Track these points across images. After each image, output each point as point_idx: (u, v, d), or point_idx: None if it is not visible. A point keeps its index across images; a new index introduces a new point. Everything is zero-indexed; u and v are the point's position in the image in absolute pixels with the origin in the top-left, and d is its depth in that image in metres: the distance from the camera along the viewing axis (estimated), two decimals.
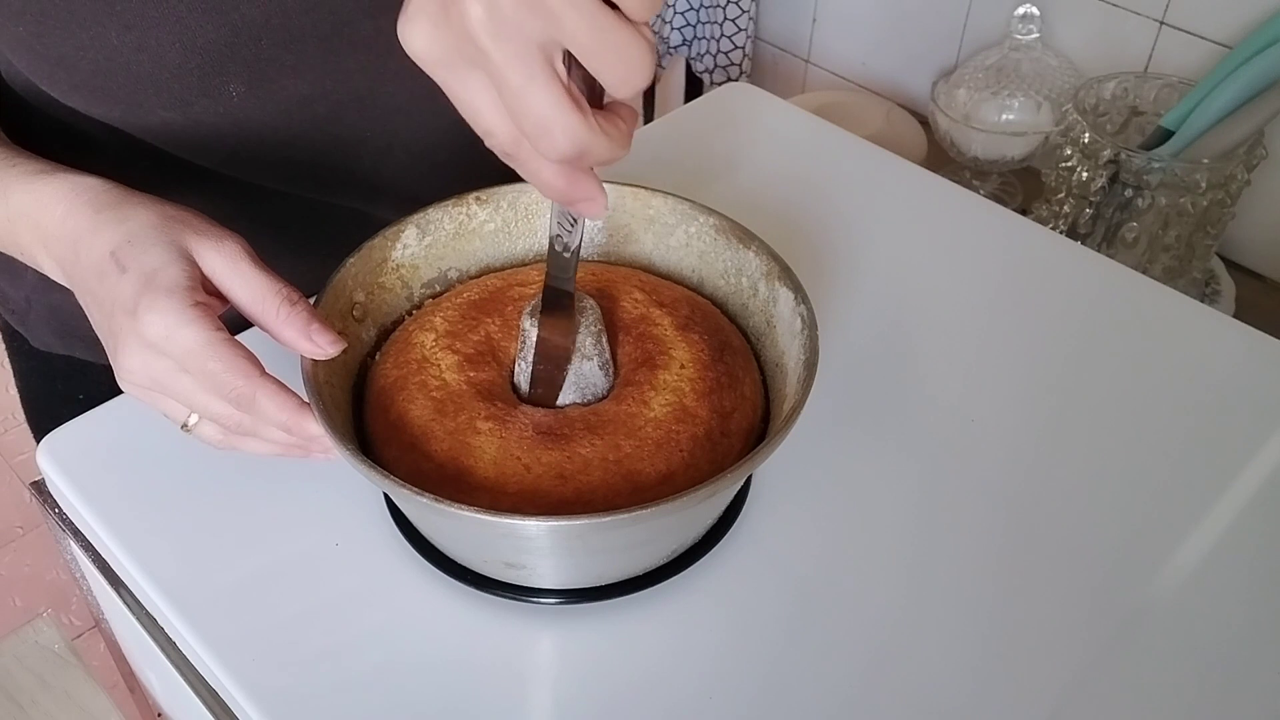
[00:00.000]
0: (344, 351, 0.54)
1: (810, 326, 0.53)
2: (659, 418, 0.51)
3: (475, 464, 0.49)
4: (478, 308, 0.57)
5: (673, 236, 0.61)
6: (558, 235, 0.47)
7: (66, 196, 0.51)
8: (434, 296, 0.60)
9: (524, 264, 0.62)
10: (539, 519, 0.44)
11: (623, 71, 0.35)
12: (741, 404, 0.54)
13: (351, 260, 0.56)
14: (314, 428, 0.48)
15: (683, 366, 0.53)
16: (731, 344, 0.57)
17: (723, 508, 0.55)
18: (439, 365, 0.54)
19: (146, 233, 0.48)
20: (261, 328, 0.50)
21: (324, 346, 0.49)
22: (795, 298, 0.55)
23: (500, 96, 0.36)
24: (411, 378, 0.53)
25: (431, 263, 0.60)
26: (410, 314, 0.59)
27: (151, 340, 0.46)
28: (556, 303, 0.50)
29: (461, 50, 0.36)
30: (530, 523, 0.44)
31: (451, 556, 0.53)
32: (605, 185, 0.60)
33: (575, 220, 0.46)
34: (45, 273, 0.53)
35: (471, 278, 0.61)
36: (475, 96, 0.37)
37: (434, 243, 0.60)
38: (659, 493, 0.48)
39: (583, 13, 0.33)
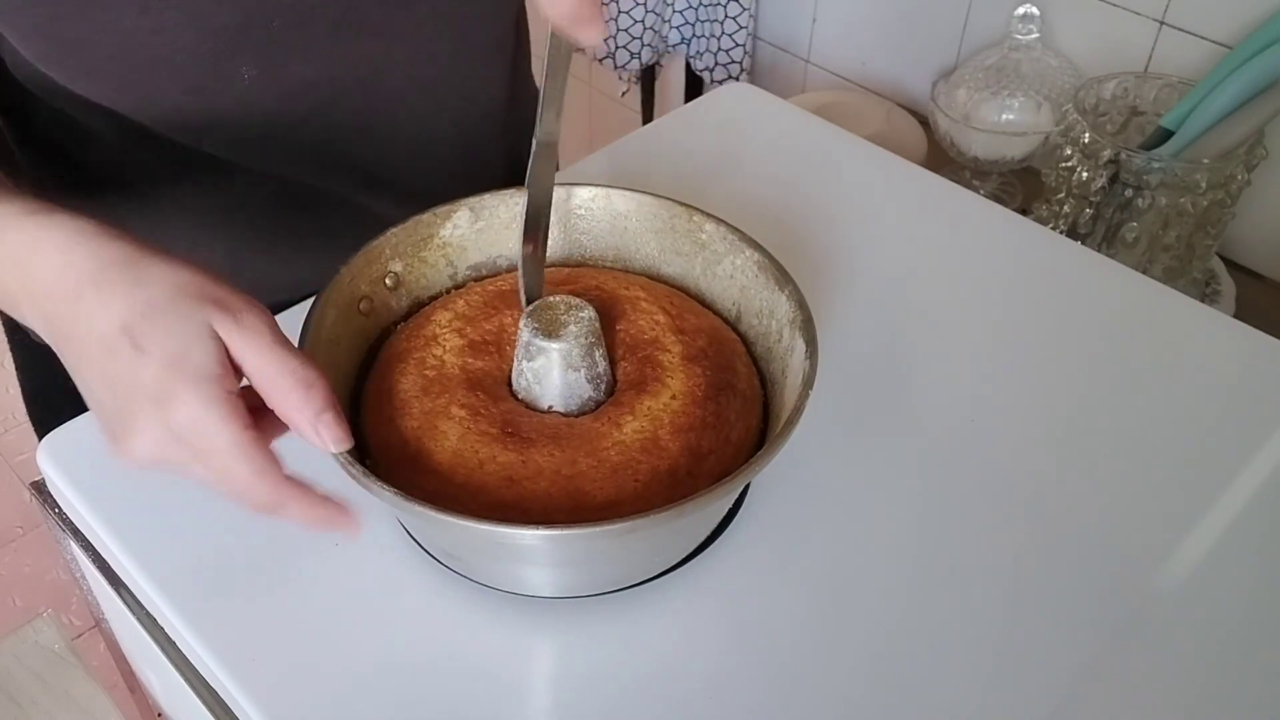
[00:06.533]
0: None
1: (806, 385, 0.50)
2: (625, 442, 0.50)
3: (435, 448, 0.50)
4: (503, 298, 0.57)
5: (720, 265, 0.60)
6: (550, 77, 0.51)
7: (64, 247, 0.44)
8: (479, 279, 0.61)
9: (565, 265, 0.62)
10: (477, 521, 0.44)
11: None
12: (722, 448, 0.51)
13: (394, 230, 0.57)
14: (347, 519, 0.46)
15: (673, 397, 0.52)
16: (735, 386, 0.54)
17: (690, 546, 0.54)
18: (443, 345, 0.54)
19: (163, 307, 0.43)
20: (271, 405, 0.45)
21: (328, 443, 0.45)
22: (806, 350, 0.52)
23: None
24: (414, 352, 0.54)
25: (482, 247, 0.61)
26: (449, 291, 0.60)
27: (178, 432, 0.43)
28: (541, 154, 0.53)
29: None
30: (477, 524, 0.44)
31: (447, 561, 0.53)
32: (654, 197, 0.60)
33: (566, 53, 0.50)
34: (22, 322, 0.48)
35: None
36: None
37: (486, 228, 0.60)
38: (600, 517, 0.45)
39: None
